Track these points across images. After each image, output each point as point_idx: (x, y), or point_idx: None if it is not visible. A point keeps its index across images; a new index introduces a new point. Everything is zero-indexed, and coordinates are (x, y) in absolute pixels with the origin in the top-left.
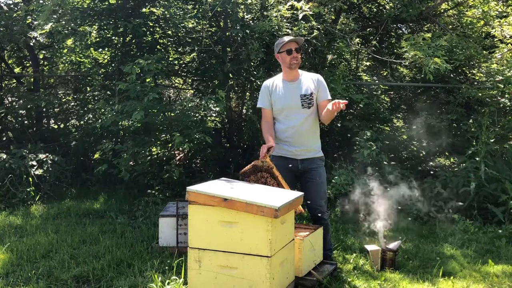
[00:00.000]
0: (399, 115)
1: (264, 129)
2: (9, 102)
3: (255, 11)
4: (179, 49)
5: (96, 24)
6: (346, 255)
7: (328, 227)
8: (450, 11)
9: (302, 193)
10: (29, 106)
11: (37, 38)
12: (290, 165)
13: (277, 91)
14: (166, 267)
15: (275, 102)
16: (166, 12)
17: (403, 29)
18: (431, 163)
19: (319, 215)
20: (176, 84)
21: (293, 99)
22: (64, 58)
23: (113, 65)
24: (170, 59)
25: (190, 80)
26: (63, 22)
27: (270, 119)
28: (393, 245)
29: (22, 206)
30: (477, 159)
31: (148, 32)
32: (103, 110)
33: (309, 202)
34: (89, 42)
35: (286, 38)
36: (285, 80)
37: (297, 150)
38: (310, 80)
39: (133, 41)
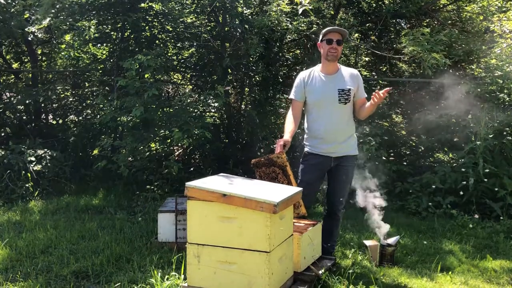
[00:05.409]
0: (398, 111)
1: (287, 120)
2: (7, 98)
3: (254, 6)
4: (178, 44)
5: (95, 19)
6: (345, 250)
7: (339, 223)
8: (449, 6)
9: (300, 188)
10: (27, 102)
11: (35, 33)
12: (322, 164)
13: (313, 83)
14: (165, 263)
15: (310, 94)
16: (164, 7)
17: (402, 24)
18: (430, 158)
19: (334, 211)
20: (175, 80)
21: (330, 92)
22: (63, 53)
23: (111, 60)
24: (169, 54)
25: (188, 76)
26: (61, 17)
27: (298, 112)
28: (391, 240)
29: (21, 201)
30: (475, 154)
31: (146, 27)
32: (102, 105)
33: (329, 196)
34: (87, 38)
35: (331, 28)
36: (322, 72)
37: (330, 148)
38: (349, 76)
39: (132, 36)
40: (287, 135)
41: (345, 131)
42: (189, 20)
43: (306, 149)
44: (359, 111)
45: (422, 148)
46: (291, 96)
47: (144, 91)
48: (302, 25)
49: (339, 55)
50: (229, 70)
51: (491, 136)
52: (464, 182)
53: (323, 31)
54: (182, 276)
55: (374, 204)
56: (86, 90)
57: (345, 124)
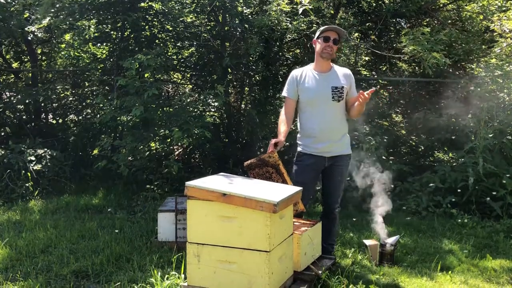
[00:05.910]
0: (398, 110)
1: (281, 118)
2: (7, 97)
3: (254, 5)
4: (178, 44)
5: (95, 18)
6: (345, 250)
7: (336, 221)
8: (449, 5)
9: (300, 188)
10: (27, 101)
11: (35, 33)
12: (316, 164)
13: (307, 81)
14: (165, 262)
15: (303, 93)
16: (164, 7)
17: (402, 23)
18: (429, 158)
19: (331, 210)
20: (175, 79)
21: (324, 90)
22: (63, 53)
23: (111, 60)
24: (169, 54)
25: (188, 75)
26: (61, 17)
27: (291, 110)
28: (391, 239)
29: (21, 201)
30: (475, 154)
31: (146, 27)
32: (102, 105)
33: (324, 196)
34: (87, 37)
35: (329, 26)
36: (316, 70)
37: (324, 147)
38: (342, 74)
39: (132, 35)
40: (282, 135)
41: (339, 130)
42: (189, 20)
43: (299, 148)
44: (350, 110)
45: (422, 148)
46: (284, 93)
47: (144, 90)
48: (302, 24)
49: (334, 54)
50: (229, 69)
51: (491, 135)
52: (464, 182)
53: (321, 28)
54: (182, 276)
55: (376, 179)
56: (86, 89)
57: (338, 122)
